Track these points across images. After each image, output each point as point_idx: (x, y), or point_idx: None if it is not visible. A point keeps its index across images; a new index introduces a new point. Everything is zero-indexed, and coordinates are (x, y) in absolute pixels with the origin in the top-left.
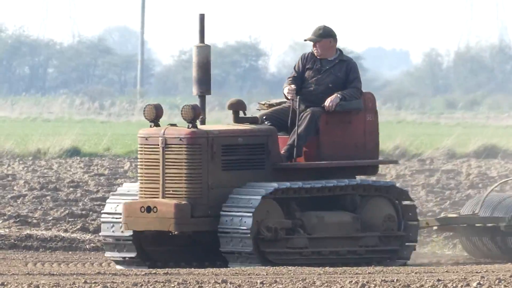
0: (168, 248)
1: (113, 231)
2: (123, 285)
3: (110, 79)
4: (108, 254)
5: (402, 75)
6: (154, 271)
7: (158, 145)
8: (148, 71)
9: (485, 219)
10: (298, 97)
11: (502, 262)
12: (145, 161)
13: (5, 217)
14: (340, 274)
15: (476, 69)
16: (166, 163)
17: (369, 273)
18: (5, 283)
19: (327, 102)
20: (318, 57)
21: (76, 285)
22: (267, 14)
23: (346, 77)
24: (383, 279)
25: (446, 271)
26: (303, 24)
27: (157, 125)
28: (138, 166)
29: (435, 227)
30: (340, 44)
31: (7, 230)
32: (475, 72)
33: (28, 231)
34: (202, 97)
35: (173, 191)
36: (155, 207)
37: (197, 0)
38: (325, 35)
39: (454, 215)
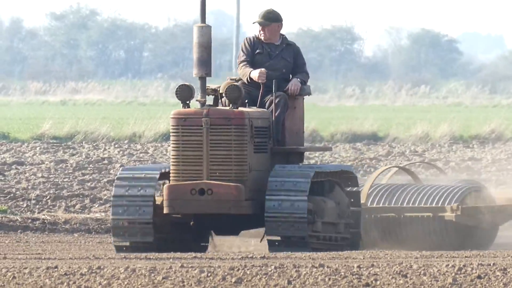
0: (160, 235)
1: (127, 215)
2: (219, 269)
3: None
4: (116, 239)
5: (497, 59)
6: (250, 255)
7: (201, 126)
8: None
9: (424, 209)
10: (274, 80)
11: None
12: (184, 143)
13: (101, 201)
14: (436, 257)
15: None
16: (211, 145)
17: (465, 256)
18: (102, 267)
19: (291, 86)
20: (264, 41)
21: (173, 270)
22: None
23: (295, 62)
24: (480, 262)
25: None
26: (398, 9)
27: (188, 106)
28: (172, 148)
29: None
30: (434, 29)
31: (103, 214)
32: None
33: None
34: (202, 79)
35: (219, 173)
36: (209, 189)
37: None
38: (274, 19)
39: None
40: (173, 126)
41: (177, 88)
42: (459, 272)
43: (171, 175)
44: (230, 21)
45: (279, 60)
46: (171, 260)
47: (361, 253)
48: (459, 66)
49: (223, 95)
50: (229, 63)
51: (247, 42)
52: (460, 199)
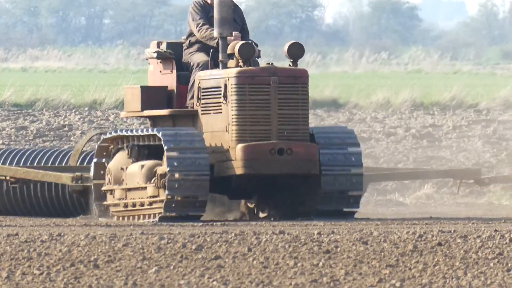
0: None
1: (184, 190)
2: (180, 236)
3: (166, 29)
4: (166, 211)
5: (458, 26)
6: (211, 223)
7: (270, 84)
8: None
9: None
10: (251, 41)
11: None
12: (251, 102)
13: None
14: (397, 224)
15: None
16: (280, 103)
17: (426, 223)
18: (62, 234)
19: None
20: (211, 4)
21: (133, 237)
22: None
23: (242, 25)
24: (440, 229)
25: (503, 222)
26: None
27: (250, 64)
28: (237, 107)
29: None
30: None
31: None
32: None
33: None
34: (224, 39)
35: (287, 132)
36: (289, 149)
37: None
38: None
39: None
40: (238, 85)
41: (240, 46)
42: (419, 239)
43: (234, 135)
44: None
45: None
46: (131, 227)
47: (321, 220)
48: (419, 33)
49: (239, 54)
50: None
51: (198, 6)
52: None
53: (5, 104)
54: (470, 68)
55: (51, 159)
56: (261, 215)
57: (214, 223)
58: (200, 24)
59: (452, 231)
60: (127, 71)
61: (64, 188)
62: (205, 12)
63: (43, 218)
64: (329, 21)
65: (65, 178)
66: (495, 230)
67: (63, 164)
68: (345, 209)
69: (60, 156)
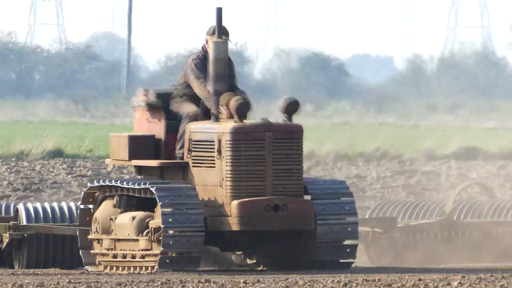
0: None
1: (179, 246)
2: (107, 284)
3: (97, 85)
4: (163, 268)
5: (386, 81)
6: (137, 271)
7: (264, 140)
8: (134, 77)
9: None
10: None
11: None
12: (246, 158)
13: None
14: (322, 274)
15: (459, 76)
16: (274, 159)
17: (351, 272)
18: None
19: None
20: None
21: (61, 285)
22: (253, 21)
23: (231, 73)
24: (364, 278)
25: (427, 271)
26: (288, 31)
27: (244, 120)
28: (231, 163)
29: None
30: (325, 51)
31: None
32: (459, 78)
33: None
34: (218, 95)
35: (282, 188)
36: (284, 205)
37: (183, 6)
38: (228, 34)
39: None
40: (232, 141)
41: (237, 104)
42: None
43: (228, 190)
44: (122, 44)
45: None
46: (58, 275)
47: (248, 269)
48: (348, 88)
49: (235, 109)
50: (119, 85)
51: (201, 62)
52: None
53: None
54: (395, 119)
55: None
56: (249, 261)
57: (141, 272)
58: (199, 80)
59: (376, 280)
60: (54, 122)
61: None
62: (206, 69)
63: None
64: (258, 76)
65: None
66: (420, 279)
67: None
68: (341, 260)
69: None
